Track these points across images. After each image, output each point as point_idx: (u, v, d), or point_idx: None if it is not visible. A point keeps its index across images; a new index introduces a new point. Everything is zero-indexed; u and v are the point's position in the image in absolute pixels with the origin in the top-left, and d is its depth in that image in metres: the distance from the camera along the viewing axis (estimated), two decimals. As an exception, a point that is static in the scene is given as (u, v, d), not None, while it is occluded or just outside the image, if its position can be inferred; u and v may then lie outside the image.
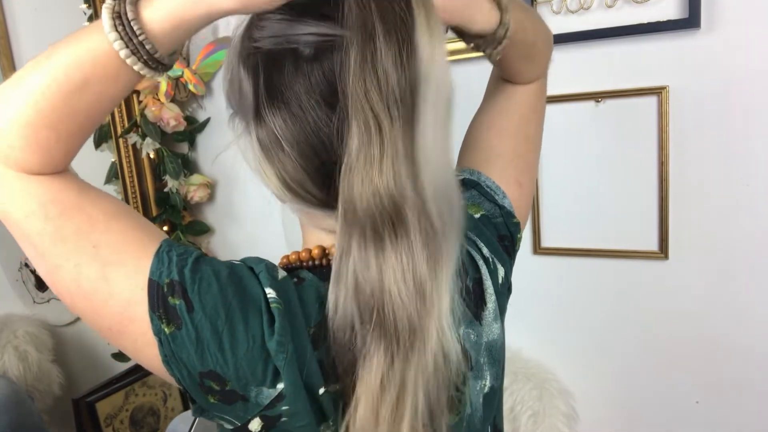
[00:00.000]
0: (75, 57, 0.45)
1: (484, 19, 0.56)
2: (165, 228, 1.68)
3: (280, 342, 0.47)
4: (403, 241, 0.46)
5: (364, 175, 0.45)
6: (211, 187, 1.70)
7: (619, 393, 1.36)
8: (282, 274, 0.51)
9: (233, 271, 0.49)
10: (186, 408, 1.72)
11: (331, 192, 0.50)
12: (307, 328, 0.49)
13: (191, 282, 0.47)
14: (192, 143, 1.70)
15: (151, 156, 1.65)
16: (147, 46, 0.45)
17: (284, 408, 0.48)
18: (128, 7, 0.45)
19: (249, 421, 0.50)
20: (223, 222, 1.75)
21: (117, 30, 0.45)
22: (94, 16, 1.56)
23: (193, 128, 1.67)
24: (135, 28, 0.45)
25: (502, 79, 0.72)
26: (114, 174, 1.68)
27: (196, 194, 1.66)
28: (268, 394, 0.48)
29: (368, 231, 0.46)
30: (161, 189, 1.67)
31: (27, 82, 0.46)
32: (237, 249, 1.74)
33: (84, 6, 1.59)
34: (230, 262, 0.51)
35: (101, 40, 0.45)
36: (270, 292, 0.48)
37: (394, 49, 0.45)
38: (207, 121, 1.67)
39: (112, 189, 1.70)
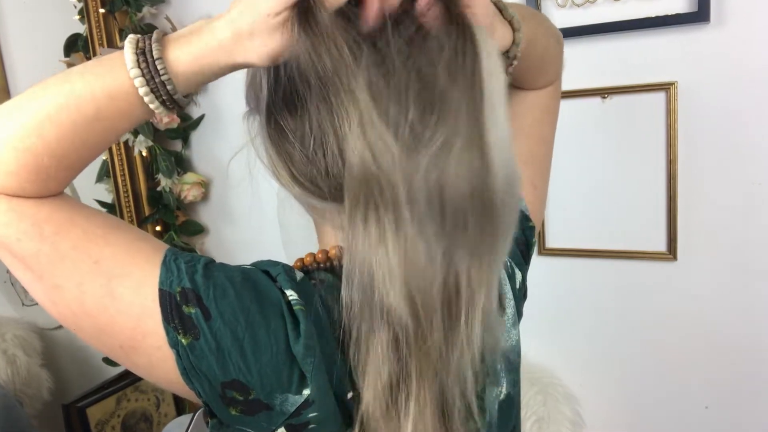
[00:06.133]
0: (90, 90, 0.44)
1: (498, 38, 0.53)
2: (158, 228, 1.65)
3: (308, 345, 0.45)
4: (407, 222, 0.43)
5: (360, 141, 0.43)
6: (205, 186, 1.67)
7: (626, 398, 1.33)
8: (300, 275, 0.49)
9: (247, 275, 0.47)
10: (180, 413, 1.69)
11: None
12: (332, 330, 0.47)
13: (205, 289, 0.45)
14: (186, 141, 1.67)
15: (144, 154, 1.61)
16: (168, 87, 0.44)
17: (312, 415, 0.46)
18: (154, 45, 0.44)
19: None
20: (217, 222, 1.72)
21: (140, 67, 0.43)
22: (85, 10, 1.53)
23: (187, 125, 1.64)
24: (159, 67, 0.43)
25: (512, 85, 0.69)
26: (105, 172, 1.64)
27: (190, 193, 1.62)
28: (294, 401, 0.46)
29: (364, 207, 0.44)
30: (154, 188, 1.64)
31: (33, 109, 0.43)
32: (232, 250, 1.71)
33: (74, -1, 1.56)
34: (242, 267, 0.49)
35: (120, 75, 0.44)
36: (291, 295, 0.46)
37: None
38: (201, 117, 1.64)
39: (103, 188, 1.67)
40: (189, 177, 1.64)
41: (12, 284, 1.64)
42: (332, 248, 0.53)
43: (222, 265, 0.48)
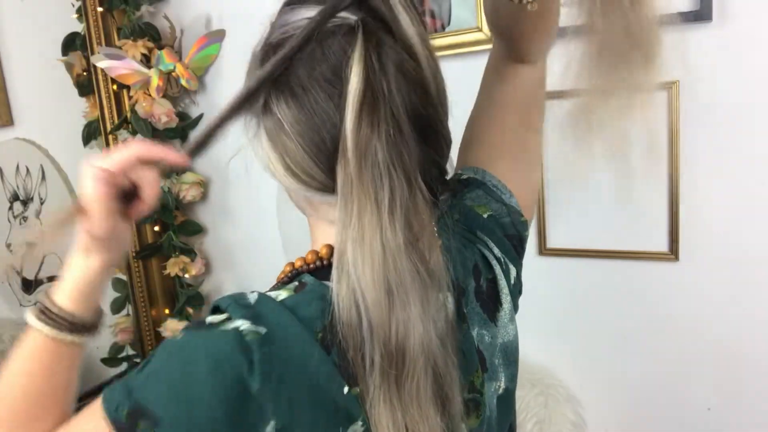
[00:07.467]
0: (22, 362, 0.56)
1: None
2: (156, 228, 1.64)
3: (264, 372, 0.45)
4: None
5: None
6: (203, 185, 1.66)
7: (628, 399, 1.32)
8: (254, 297, 0.50)
9: (173, 354, 0.48)
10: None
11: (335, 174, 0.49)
12: (314, 333, 0.47)
13: (141, 398, 0.46)
14: (184, 140, 1.65)
15: (142, 153, 1.60)
16: (66, 317, 0.55)
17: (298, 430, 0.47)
18: (45, 299, 0.57)
19: None
20: (216, 222, 1.70)
21: (41, 319, 0.55)
22: (83, 9, 1.52)
23: (186, 125, 1.63)
24: (50, 306, 0.56)
25: (502, 60, 0.67)
26: (103, 172, 1.63)
27: (189, 193, 1.61)
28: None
29: (368, 196, 0.46)
30: (152, 188, 1.62)
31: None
32: (231, 249, 1.69)
33: (72, -5, 1.55)
34: (174, 343, 0.48)
35: (35, 336, 0.56)
36: (243, 324, 0.46)
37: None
38: (200, 117, 1.63)
39: (102, 188, 1.65)
40: (187, 177, 1.62)
41: (9, 285, 1.63)
42: (323, 247, 0.54)
43: (155, 359, 0.48)
